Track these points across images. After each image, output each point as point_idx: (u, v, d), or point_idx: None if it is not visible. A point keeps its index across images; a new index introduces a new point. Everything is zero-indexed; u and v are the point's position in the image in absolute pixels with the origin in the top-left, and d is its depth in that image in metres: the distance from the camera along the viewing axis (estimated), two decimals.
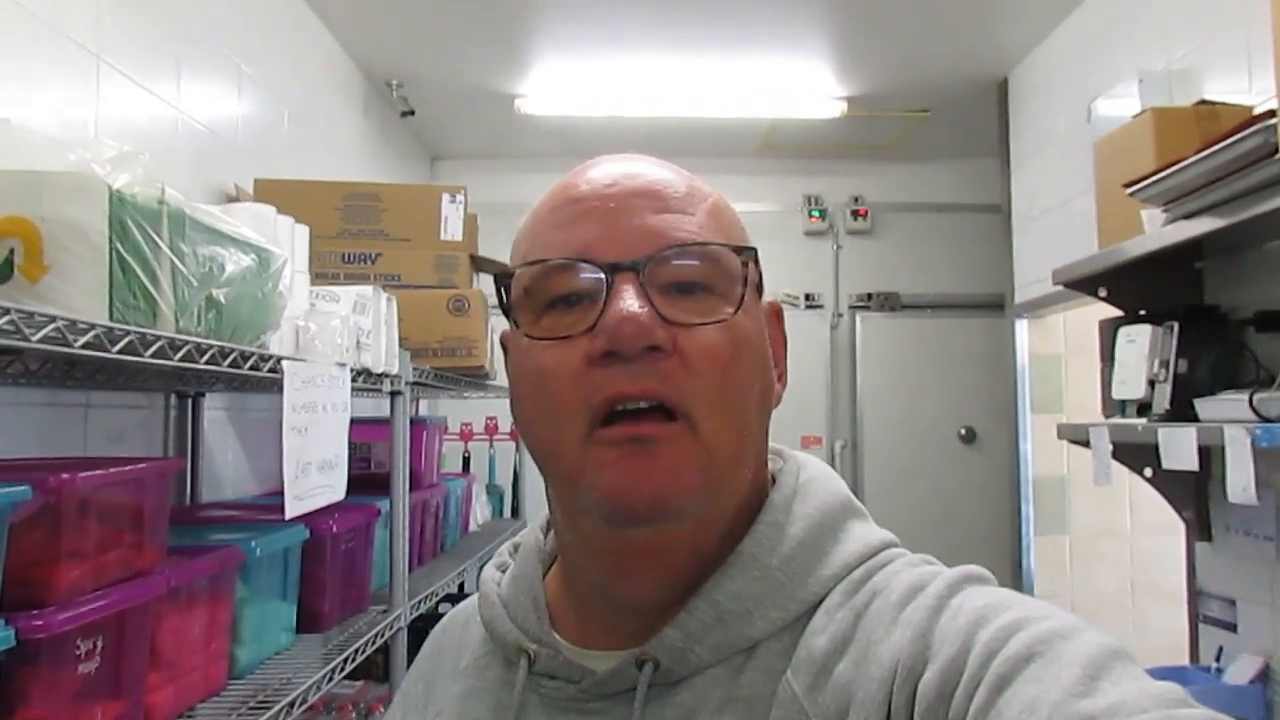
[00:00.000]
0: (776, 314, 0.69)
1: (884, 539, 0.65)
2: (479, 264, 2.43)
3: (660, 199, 0.62)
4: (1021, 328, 3.47)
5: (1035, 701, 0.46)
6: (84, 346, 0.90)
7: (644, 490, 0.57)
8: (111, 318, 0.96)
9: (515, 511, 3.79)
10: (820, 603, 0.61)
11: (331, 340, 1.51)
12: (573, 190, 0.64)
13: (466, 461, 3.82)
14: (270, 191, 2.15)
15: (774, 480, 0.68)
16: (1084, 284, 2.19)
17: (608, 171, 0.64)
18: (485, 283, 2.50)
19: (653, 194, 0.62)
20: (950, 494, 4.40)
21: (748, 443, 0.62)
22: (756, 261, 0.64)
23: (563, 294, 0.61)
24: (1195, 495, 2.19)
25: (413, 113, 3.68)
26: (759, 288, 0.65)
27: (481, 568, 0.77)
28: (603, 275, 0.59)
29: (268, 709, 1.29)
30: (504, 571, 0.74)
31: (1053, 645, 0.49)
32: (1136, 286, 2.12)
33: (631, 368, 0.57)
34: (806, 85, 3.65)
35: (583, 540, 0.64)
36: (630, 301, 0.57)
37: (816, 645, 0.58)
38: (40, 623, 0.95)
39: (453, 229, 2.30)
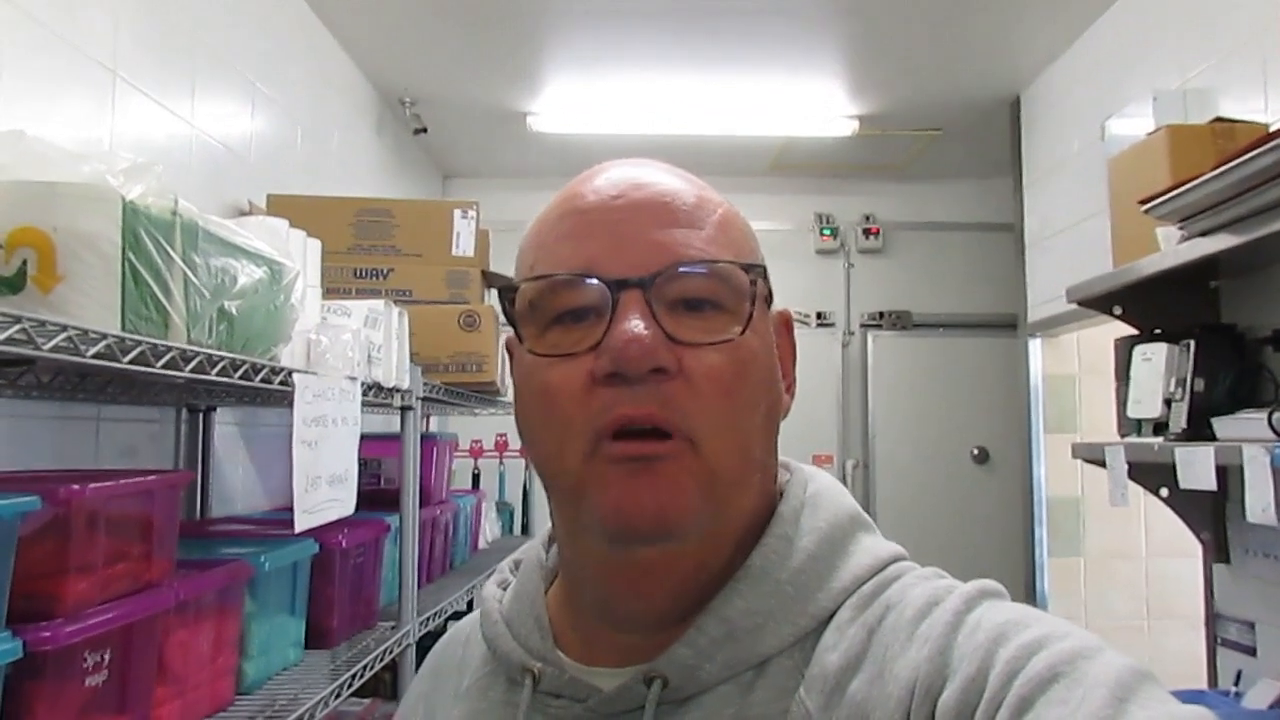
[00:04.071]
0: (786, 323, 0.68)
1: (893, 552, 0.64)
2: (490, 279, 2.43)
3: (668, 211, 0.61)
4: (1035, 347, 3.45)
5: None
6: (95, 356, 0.89)
7: (647, 508, 0.56)
8: (124, 328, 0.96)
9: (525, 529, 3.78)
10: (831, 618, 0.60)
11: (342, 354, 1.50)
12: (579, 200, 0.63)
13: (476, 478, 3.82)
14: (283, 207, 2.16)
15: (781, 493, 0.67)
16: (1098, 302, 2.17)
17: (614, 181, 0.63)
18: (497, 298, 2.50)
19: (660, 206, 0.61)
20: (963, 515, 4.36)
21: (752, 462, 0.61)
22: (765, 277, 0.62)
23: (568, 309, 0.60)
24: (1213, 516, 2.16)
25: (425, 131, 3.70)
26: (768, 301, 0.64)
27: None
28: (608, 291, 0.58)
29: None
30: (505, 589, 0.73)
31: (1076, 666, 0.48)
32: (1152, 305, 2.10)
33: (635, 390, 0.56)
34: (818, 104, 3.66)
35: (585, 557, 0.63)
36: (635, 322, 0.56)
37: (829, 662, 0.57)
38: (48, 634, 0.94)
39: (465, 244, 2.30)
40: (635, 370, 0.56)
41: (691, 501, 0.57)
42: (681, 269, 0.59)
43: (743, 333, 0.59)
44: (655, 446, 0.57)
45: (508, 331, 0.67)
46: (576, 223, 0.62)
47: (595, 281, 0.59)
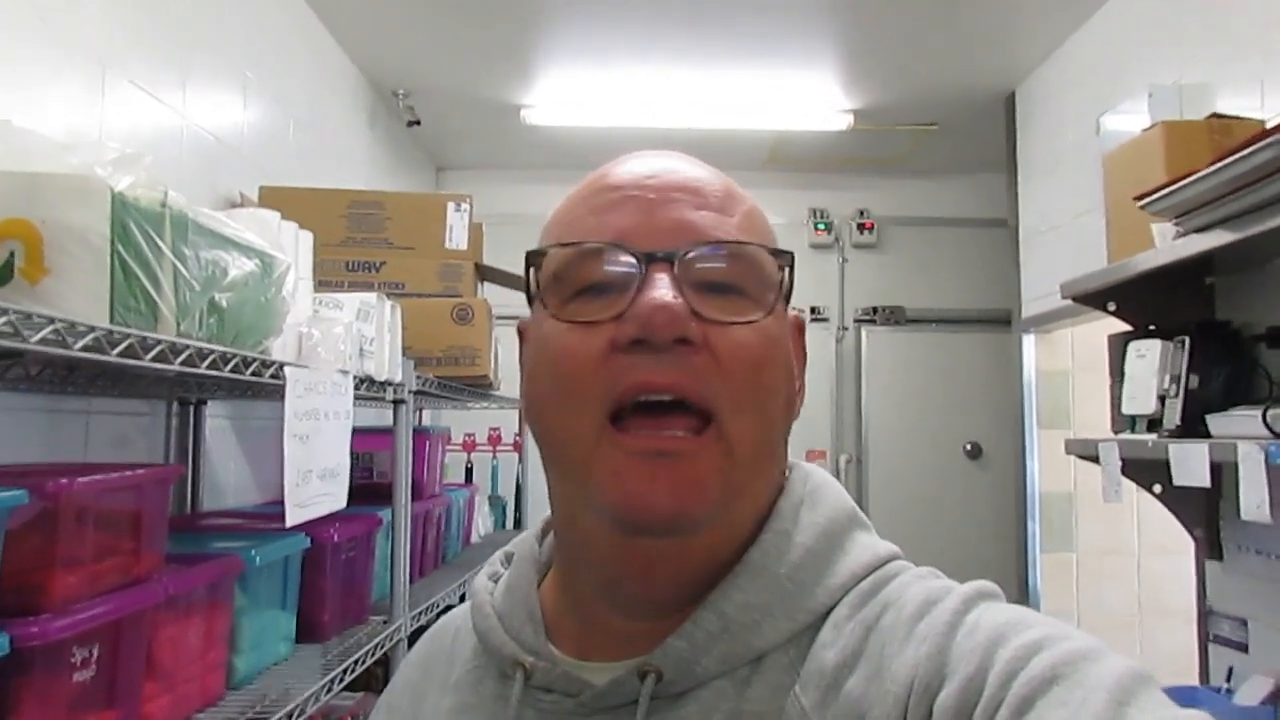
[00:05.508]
0: (798, 327, 0.68)
1: (889, 551, 0.64)
2: (484, 273, 2.42)
3: (700, 195, 0.62)
4: (1029, 343, 3.45)
5: None
6: (83, 349, 0.88)
7: (662, 503, 0.55)
8: (112, 321, 0.94)
9: (518, 523, 3.77)
10: (828, 614, 0.59)
11: (334, 347, 1.49)
12: (611, 178, 0.63)
13: (469, 472, 3.81)
14: (275, 199, 2.14)
15: (780, 489, 0.67)
16: (1093, 298, 2.17)
17: (647, 164, 0.63)
18: (490, 291, 2.49)
19: (692, 190, 0.62)
20: (955, 510, 4.37)
21: (770, 449, 0.61)
22: (792, 267, 0.63)
23: (593, 282, 0.59)
24: (1206, 513, 2.16)
25: (419, 123, 3.68)
26: (788, 297, 0.64)
27: None
28: (637, 263, 0.58)
29: None
30: (496, 581, 0.72)
31: (1077, 668, 0.48)
32: (1146, 301, 2.10)
33: (659, 358, 0.56)
34: (813, 98, 3.65)
35: (588, 539, 0.62)
36: (664, 290, 0.56)
37: (826, 659, 0.57)
38: (35, 630, 0.93)
39: (458, 238, 2.29)
40: (662, 336, 0.56)
41: (710, 495, 0.57)
42: (710, 247, 0.59)
43: (766, 317, 0.60)
44: (680, 443, 0.56)
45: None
46: (609, 198, 0.62)
47: (624, 252, 0.58)
